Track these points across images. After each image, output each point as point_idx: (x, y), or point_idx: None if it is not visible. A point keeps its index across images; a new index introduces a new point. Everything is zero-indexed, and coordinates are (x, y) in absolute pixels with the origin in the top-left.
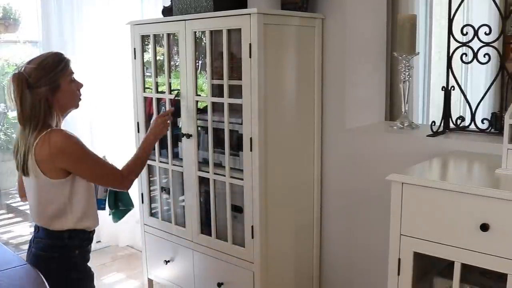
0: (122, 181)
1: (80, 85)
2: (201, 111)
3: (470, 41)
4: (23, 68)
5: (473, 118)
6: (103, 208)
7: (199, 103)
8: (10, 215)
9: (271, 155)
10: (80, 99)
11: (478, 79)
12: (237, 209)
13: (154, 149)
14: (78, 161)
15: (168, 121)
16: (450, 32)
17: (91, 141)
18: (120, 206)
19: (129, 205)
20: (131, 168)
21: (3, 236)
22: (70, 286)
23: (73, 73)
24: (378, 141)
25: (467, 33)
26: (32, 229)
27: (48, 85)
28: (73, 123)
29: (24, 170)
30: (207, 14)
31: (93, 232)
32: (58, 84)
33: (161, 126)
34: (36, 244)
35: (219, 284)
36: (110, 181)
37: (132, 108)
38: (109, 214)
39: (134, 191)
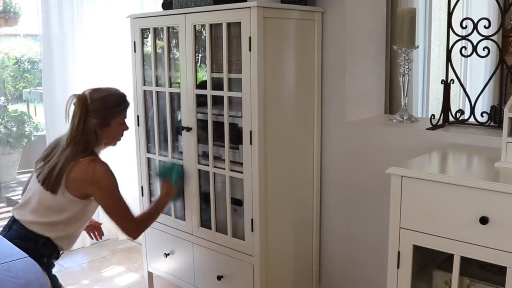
0: (132, 229)
1: (126, 129)
2: (201, 105)
3: (470, 34)
4: (88, 92)
5: (472, 112)
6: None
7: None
8: (10, 208)
9: (271, 148)
10: (119, 139)
11: (477, 72)
12: (237, 202)
13: (154, 144)
14: (107, 195)
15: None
16: (449, 25)
17: None
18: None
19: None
20: (144, 220)
21: None
22: None
23: (126, 117)
24: (378, 134)
25: (466, 26)
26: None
27: (101, 119)
28: None
29: (51, 186)
30: (207, 8)
31: (61, 253)
32: (109, 122)
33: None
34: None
35: (219, 277)
36: (122, 223)
37: (132, 102)
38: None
39: (134, 186)
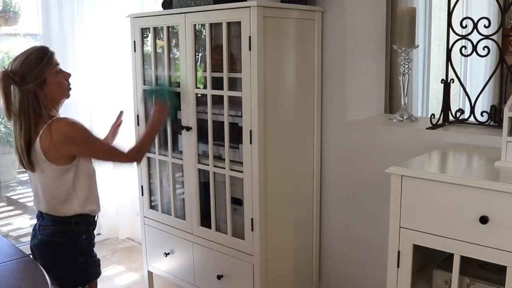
0: (129, 158)
1: (68, 75)
2: (201, 104)
3: (470, 34)
4: (10, 66)
5: (472, 111)
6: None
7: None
8: (10, 207)
9: (270, 147)
10: (69, 89)
11: (477, 72)
12: (237, 202)
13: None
14: (83, 143)
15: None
16: (449, 25)
17: None
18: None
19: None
20: (139, 146)
21: (3, 228)
22: (77, 270)
23: (58, 64)
24: (378, 133)
25: (466, 26)
26: (33, 221)
27: (34, 81)
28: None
29: (29, 165)
30: (206, 7)
31: (97, 217)
32: (44, 78)
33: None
34: (42, 231)
35: (219, 277)
36: (118, 158)
37: (132, 101)
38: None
39: (134, 184)
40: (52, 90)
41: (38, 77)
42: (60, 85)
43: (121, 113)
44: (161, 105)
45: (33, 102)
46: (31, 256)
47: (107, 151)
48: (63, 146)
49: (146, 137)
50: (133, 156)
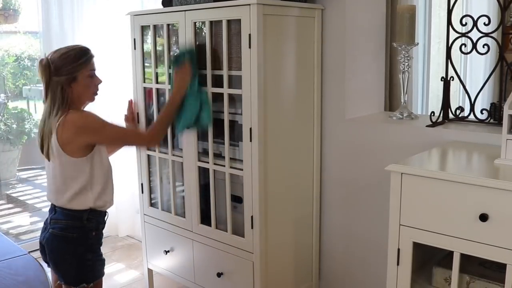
0: (147, 140)
1: (99, 81)
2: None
3: (469, 31)
4: (49, 55)
5: (472, 109)
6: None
7: None
8: (10, 205)
9: (270, 145)
10: (96, 94)
11: (477, 69)
12: (237, 199)
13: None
14: (95, 130)
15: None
16: (449, 22)
17: None
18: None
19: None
20: (158, 126)
21: (3, 226)
22: (84, 267)
23: (94, 69)
24: (378, 131)
25: (466, 23)
26: (33, 219)
27: (66, 75)
28: None
29: (47, 153)
30: (207, 5)
31: (107, 217)
32: (75, 76)
33: (184, 77)
34: (53, 225)
35: (219, 274)
36: (134, 141)
37: (132, 99)
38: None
39: (134, 182)
40: (79, 89)
41: (71, 73)
42: (87, 87)
43: (130, 102)
44: (183, 70)
45: (60, 94)
46: (31, 254)
47: (123, 134)
48: (77, 137)
49: (165, 115)
50: (152, 136)
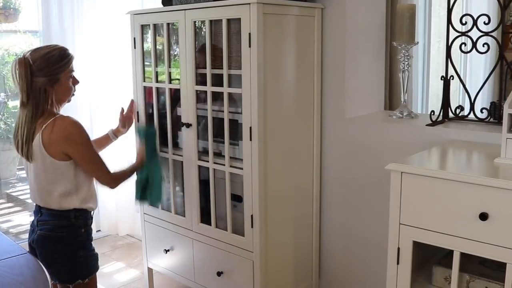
0: (109, 181)
1: (77, 82)
2: (201, 101)
3: (469, 30)
4: (28, 53)
5: (472, 108)
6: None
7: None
8: (10, 204)
9: (270, 144)
10: (73, 95)
11: (477, 68)
12: (237, 198)
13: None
14: (80, 145)
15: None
16: (449, 21)
17: (92, 132)
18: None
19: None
20: (121, 175)
21: (2, 225)
22: (77, 263)
23: (73, 70)
24: (377, 130)
25: (466, 22)
26: (32, 219)
27: (48, 76)
28: (73, 113)
29: (27, 155)
30: (207, 4)
31: (93, 212)
32: (58, 77)
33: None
34: (41, 226)
35: (219, 273)
36: (101, 174)
37: (132, 98)
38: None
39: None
40: (61, 90)
41: (54, 74)
42: (69, 89)
43: (132, 101)
44: (141, 149)
45: (42, 96)
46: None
47: (97, 163)
48: (61, 143)
49: (129, 172)
50: (114, 180)
